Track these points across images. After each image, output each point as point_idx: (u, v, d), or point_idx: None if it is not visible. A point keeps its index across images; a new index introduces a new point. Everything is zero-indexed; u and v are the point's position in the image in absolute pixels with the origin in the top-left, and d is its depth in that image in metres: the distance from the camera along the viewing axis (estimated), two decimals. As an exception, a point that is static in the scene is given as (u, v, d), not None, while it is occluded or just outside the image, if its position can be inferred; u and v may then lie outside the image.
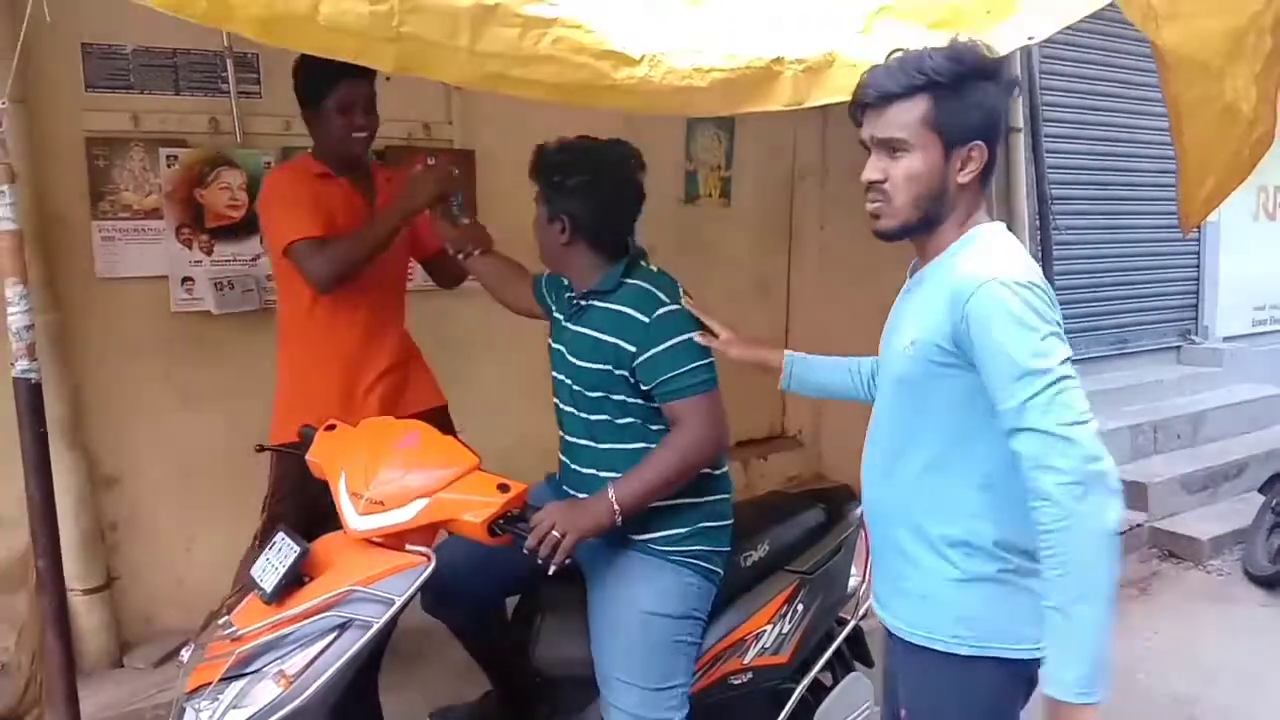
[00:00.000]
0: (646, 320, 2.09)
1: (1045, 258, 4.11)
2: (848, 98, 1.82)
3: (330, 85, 2.56)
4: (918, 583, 1.66)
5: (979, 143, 1.59)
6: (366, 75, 2.56)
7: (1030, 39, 2.04)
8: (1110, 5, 2.17)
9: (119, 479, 3.25)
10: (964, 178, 1.61)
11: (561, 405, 2.30)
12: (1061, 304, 1.59)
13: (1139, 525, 4.94)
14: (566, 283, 2.33)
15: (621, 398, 2.16)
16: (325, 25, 1.52)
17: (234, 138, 3.28)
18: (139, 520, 3.29)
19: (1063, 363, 1.47)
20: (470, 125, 3.71)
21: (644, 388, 2.13)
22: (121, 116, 3.15)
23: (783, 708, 2.39)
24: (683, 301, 2.16)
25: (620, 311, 2.13)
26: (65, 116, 3.06)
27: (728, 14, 1.83)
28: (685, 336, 2.11)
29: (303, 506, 2.53)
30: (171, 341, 3.27)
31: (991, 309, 1.49)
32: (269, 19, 1.51)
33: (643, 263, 2.24)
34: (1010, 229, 1.76)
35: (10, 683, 2.93)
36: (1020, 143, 3.89)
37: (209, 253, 3.28)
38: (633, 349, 2.10)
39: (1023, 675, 1.64)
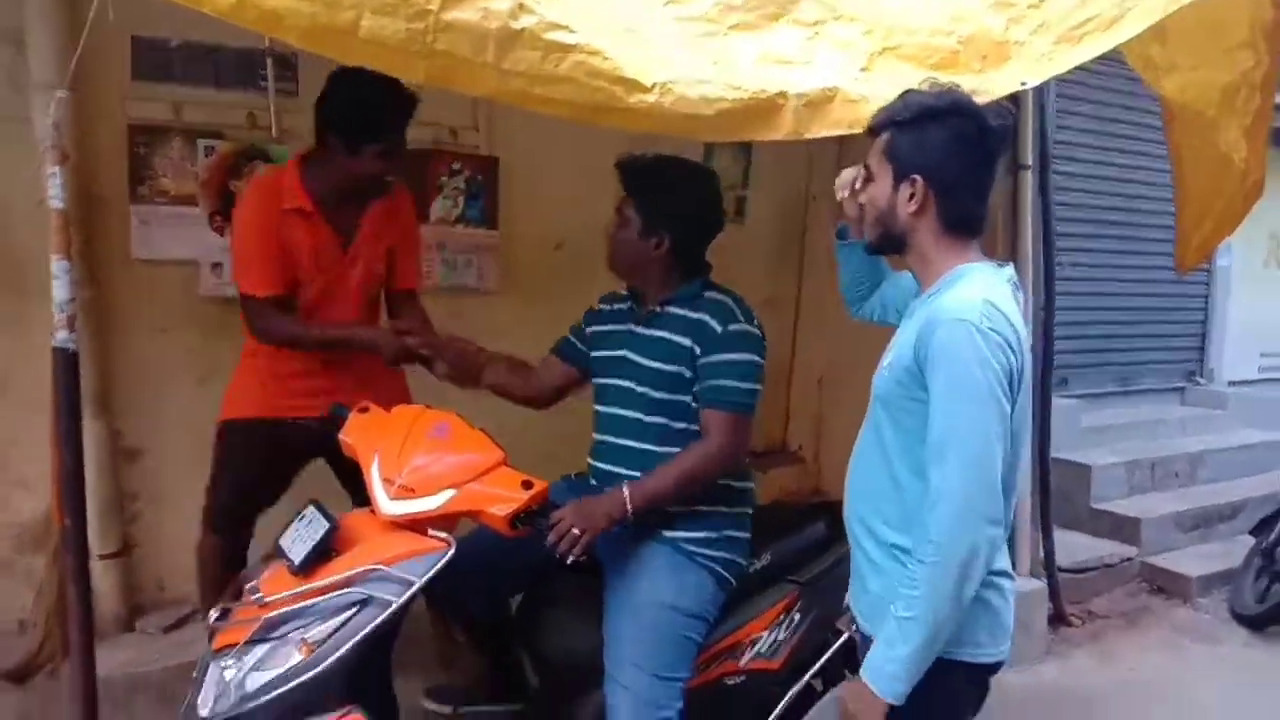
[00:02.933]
0: (720, 330, 2.25)
1: (1048, 293, 4.20)
2: (847, 131, 1.96)
3: (382, 133, 2.49)
4: (878, 584, 1.77)
5: (915, 176, 1.71)
6: (407, 125, 2.54)
7: (1023, 84, 2.14)
8: (1101, 59, 2.27)
9: (142, 451, 3.38)
10: (909, 208, 1.73)
11: (612, 409, 2.39)
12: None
13: (1130, 559, 5.01)
14: (623, 295, 2.46)
15: (686, 400, 2.29)
16: (365, 39, 1.64)
17: (270, 132, 3.40)
18: (158, 491, 3.41)
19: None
20: (497, 133, 3.81)
21: (694, 388, 2.27)
22: (164, 106, 3.28)
23: (771, 711, 2.45)
24: None
25: (699, 319, 2.28)
26: (111, 104, 3.20)
27: (735, 51, 1.96)
28: (749, 356, 2.26)
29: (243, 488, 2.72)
30: (198, 323, 3.39)
31: (948, 347, 1.60)
32: (314, 30, 1.63)
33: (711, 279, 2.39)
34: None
35: (28, 639, 3.07)
36: (1028, 180, 4.01)
37: (239, 241, 3.40)
38: (699, 350, 2.25)
39: (976, 680, 1.76)
